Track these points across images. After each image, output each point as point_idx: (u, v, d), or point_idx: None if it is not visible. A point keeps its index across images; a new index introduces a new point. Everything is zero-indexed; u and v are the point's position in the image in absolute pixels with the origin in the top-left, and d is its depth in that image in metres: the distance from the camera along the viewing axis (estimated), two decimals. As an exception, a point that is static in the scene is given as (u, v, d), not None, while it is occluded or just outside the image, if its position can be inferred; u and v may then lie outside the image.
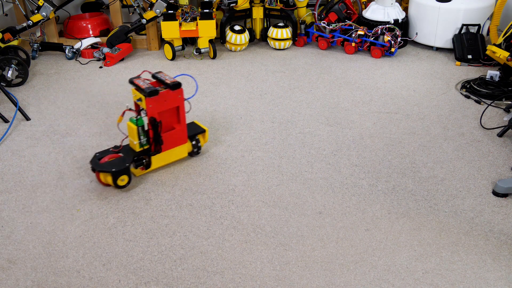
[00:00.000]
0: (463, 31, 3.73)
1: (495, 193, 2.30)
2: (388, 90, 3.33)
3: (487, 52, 3.45)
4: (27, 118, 3.03)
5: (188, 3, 3.76)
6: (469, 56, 3.68)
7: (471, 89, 3.26)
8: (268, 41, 4.07)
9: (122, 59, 3.88)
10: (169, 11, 3.71)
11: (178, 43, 3.84)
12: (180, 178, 2.46)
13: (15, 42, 3.76)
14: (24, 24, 3.75)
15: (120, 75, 3.63)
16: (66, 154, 2.67)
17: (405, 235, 2.08)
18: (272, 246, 2.03)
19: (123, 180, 2.35)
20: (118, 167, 2.32)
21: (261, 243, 2.05)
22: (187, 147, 2.57)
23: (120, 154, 2.42)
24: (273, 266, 1.94)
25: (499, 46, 3.35)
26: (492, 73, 3.29)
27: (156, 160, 2.49)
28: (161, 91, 2.34)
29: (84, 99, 3.28)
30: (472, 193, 2.33)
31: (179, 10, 3.78)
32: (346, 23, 3.92)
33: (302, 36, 4.08)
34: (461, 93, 3.28)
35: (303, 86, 3.41)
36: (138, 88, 2.34)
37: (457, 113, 3.03)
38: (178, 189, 2.38)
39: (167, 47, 3.84)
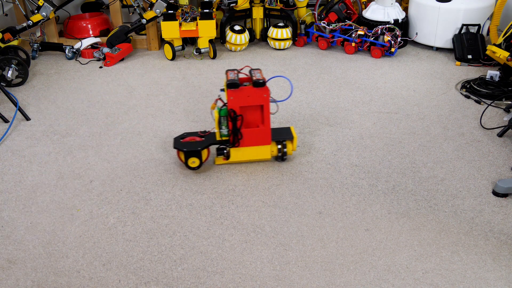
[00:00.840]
0: (463, 31, 3.73)
1: (495, 193, 2.30)
2: (388, 90, 3.33)
3: (487, 52, 3.45)
4: (27, 118, 3.03)
5: (188, 3, 3.76)
6: (469, 56, 3.68)
7: (471, 89, 3.26)
8: (268, 41, 4.07)
9: (122, 59, 3.88)
10: (169, 11, 3.71)
11: (178, 43, 3.84)
12: (180, 178, 2.46)
13: (15, 42, 3.76)
14: (24, 24, 3.75)
15: (120, 75, 3.63)
16: (66, 154, 2.67)
17: (405, 235, 2.08)
18: (272, 246, 2.03)
19: (194, 162, 2.45)
20: (190, 148, 2.43)
21: (261, 243, 2.05)
22: (270, 149, 2.53)
23: (202, 139, 2.50)
24: (273, 266, 1.93)
25: (499, 46, 3.35)
26: (492, 73, 3.28)
27: (236, 154, 2.51)
28: (242, 86, 2.38)
29: (84, 99, 3.28)
30: (472, 193, 2.33)
31: (179, 10, 3.78)
32: (346, 23, 3.92)
33: (302, 36, 4.08)
34: (461, 93, 3.28)
35: (303, 86, 3.41)
36: (227, 79, 2.42)
37: (457, 113, 3.03)
38: (178, 189, 2.38)
39: (167, 47, 3.84)
